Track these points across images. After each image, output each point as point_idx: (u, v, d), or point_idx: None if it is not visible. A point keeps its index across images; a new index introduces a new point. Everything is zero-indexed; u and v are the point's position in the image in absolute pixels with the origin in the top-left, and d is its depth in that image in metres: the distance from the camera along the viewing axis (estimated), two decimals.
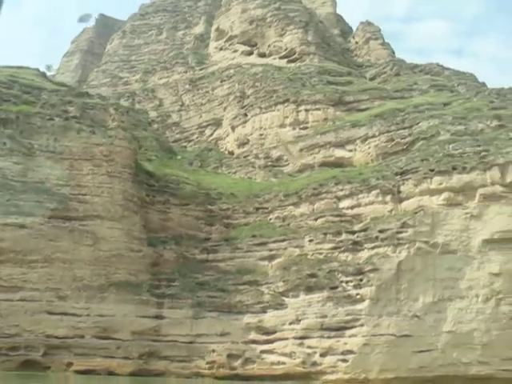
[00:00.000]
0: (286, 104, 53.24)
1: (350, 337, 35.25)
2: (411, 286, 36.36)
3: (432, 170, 39.39)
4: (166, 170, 45.75)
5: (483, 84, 60.66)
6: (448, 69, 61.22)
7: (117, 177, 39.22)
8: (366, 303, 35.69)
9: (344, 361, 34.70)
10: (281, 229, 41.31)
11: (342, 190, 41.65)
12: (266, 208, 43.74)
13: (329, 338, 35.47)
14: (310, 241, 39.25)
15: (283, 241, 40.15)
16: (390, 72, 60.84)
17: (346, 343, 35.03)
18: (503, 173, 38.75)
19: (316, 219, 40.79)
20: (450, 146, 41.04)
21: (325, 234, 39.04)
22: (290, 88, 54.64)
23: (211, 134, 59.58)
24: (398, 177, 40.75)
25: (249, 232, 41.48)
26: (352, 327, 35.46)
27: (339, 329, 35.57)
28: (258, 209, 43.95)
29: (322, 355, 35.12)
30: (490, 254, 37.27)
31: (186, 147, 59.47)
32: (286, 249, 39.78)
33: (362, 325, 35.33)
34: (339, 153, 47.50)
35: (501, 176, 38.64)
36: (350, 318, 35.60)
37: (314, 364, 35.06)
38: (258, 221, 43.17)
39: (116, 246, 37.34)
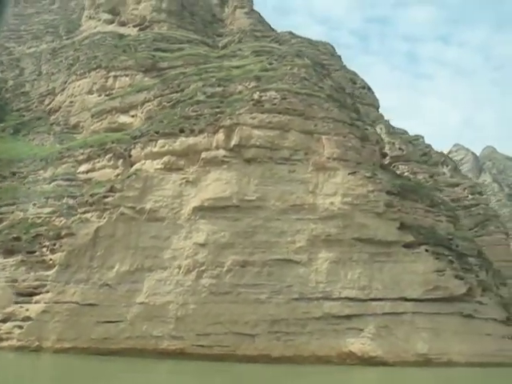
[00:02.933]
0: (97, 70, 51.32)
1: (35, 303, 33.63)
2: (108, 253, 34.22)
3: (157, 133, 36.91)
4: None
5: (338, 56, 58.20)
6: (299, 37, 57.48)
7: None
8: (55, 269, 33.94)
9: (20, 327, 33.11)
10: (20, 193, 39.90)
11: (82, 154, 39.78)
12: (22, 172, 42.39)
13: (16, 303, 33.96)
14: (34, 205, 37.71)
15: (13, 204, 38.78)
16: (237, 40, 57.71)
17: (27, 309, 33.45)
18: (228, 135, 35.81)
19: (50, 183, 39.16)
20: (192, 107, 38.28)
21: (47, 198, 37.42)
22: (108, 54, 52.64)
23: (49, 103, 58.33)
24: (136, 140, 38.50)
25: None
26: (40, 293, 33.83)
27: (28, 294, 33.99)
28: (14, 173, 42.64)
29: (3, 321, 33.64)
30: (198, 222, 34.62)
31: (24, 116, 58.50)
32: (13, 212, 38.37)
33: (48, 291, 33.65)
34: (122, 119, 45.29)
35: (225, 139, 35.74)
36: (38, 283, 33.98)
37: None
38: (12, 185, 41.90)
39: None
